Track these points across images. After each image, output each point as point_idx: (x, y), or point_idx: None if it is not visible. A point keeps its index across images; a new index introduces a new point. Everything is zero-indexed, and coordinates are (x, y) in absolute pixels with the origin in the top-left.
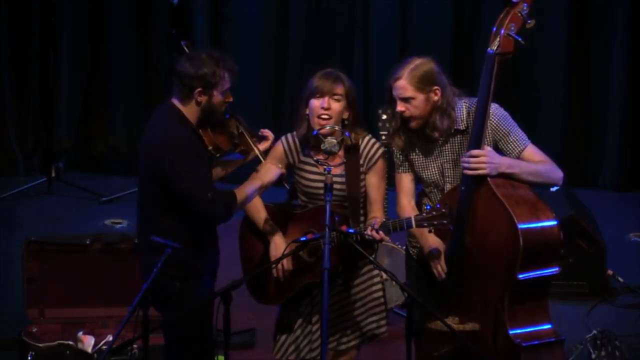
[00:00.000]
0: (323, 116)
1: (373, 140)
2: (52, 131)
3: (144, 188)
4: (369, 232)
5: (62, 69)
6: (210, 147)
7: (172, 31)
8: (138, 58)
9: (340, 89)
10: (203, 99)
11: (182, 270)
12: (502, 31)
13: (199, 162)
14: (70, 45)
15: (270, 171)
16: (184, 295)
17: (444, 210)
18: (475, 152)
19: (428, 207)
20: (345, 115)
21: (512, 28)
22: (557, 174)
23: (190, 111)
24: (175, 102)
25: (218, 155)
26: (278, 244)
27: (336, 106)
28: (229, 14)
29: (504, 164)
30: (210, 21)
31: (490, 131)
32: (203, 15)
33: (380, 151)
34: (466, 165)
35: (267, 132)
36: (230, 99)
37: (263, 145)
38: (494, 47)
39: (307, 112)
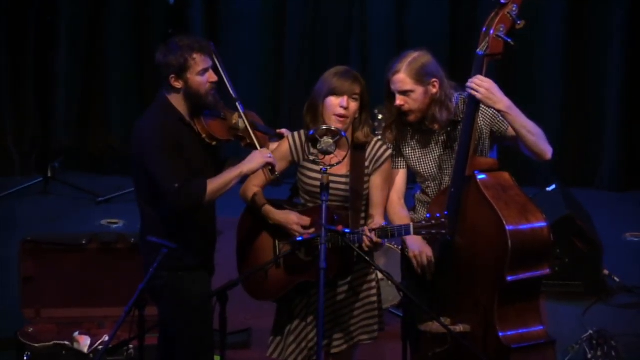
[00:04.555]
0: (341, 114)
1: (381, 142)
2: (49, 131)
3: (133, 179)
4: (364, 230)
5: (59, 68)
6: (203, 135)
7: (169, 30)
8: (135, 58)
9: (358, 89)
10: (179, 84)
11: (168, 261)
12: (491, 32)
13: (171, 152)
14: (68, 45)
15: (253, 160)
16: (173, 287)
17: (443, 220)
18: (481, 77)
19: (428, 216)
20: (357, 114)
21: (502, 29)
22: (547, 145)
23: (176, 99)
24: (164, 92)
25: (214, 143)
26: (286, 213)
27: (353, 106)
28: (226, 13)
29: (505, 102)
30: (207, 20)
31: (488, 122)
32: (200, 15)
33: (387, 154)
34: (470, 84)
35: (284, 132)
36: (215, 79)
37: (277, 144)
38: (483, 48)
39: (322, 109)
